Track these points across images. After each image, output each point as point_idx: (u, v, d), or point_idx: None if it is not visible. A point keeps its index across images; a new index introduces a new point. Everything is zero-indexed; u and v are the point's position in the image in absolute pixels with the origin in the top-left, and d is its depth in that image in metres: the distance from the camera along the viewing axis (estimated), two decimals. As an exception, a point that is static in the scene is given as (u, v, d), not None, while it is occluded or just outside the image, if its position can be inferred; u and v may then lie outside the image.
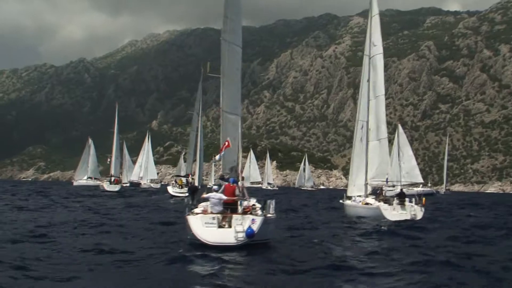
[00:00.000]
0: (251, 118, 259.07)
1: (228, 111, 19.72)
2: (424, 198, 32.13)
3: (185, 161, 70.80)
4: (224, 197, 16.52)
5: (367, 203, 31.71)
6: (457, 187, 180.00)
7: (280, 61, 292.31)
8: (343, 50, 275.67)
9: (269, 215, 16.58)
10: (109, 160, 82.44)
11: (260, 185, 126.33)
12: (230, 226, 15.39)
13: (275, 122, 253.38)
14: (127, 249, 14.55)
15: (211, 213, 15.98)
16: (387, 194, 33.05)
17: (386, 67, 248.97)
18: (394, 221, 28.02)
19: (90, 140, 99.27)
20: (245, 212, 16.29)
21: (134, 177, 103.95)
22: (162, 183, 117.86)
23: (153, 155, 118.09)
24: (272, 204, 17.22)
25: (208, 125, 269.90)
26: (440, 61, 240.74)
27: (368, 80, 34.11)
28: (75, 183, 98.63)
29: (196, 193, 18.01)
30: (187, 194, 52.51)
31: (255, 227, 15.08)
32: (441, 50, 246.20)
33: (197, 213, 16.07)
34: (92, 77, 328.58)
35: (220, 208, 16.16)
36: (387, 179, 33.01)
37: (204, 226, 15.24)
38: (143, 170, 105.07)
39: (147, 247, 15.15)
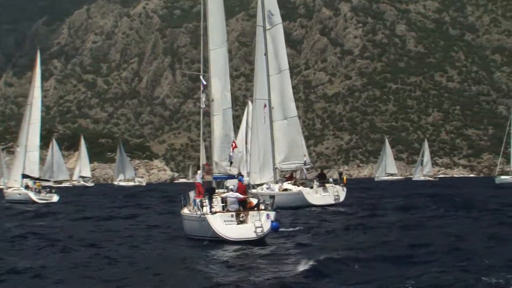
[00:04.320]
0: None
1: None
2: (345, 177, 36.96)
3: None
4: (241, 196, 21.84)
5: (285, 189, 35.57)
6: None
7: (74, 21, 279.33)
8: (155, 7, 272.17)
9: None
10: None
11: (69, 183, 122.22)
12: (243, 222, 20.79)
13: (71, 101, 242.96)
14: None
15: (228, 211, 21.27)
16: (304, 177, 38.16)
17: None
18: (319, 205, 32.89)
19: None
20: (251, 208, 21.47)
21: None
22: None
23: None
24: (274, 199, 22.21)
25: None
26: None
27: (265, 54, 38.76)
28: None
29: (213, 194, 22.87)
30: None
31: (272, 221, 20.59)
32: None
33: (214, 213, 20.94)
34: None
35: (236, 206, 21.44)
36: (305, 161, 37.80)
37: (224, 224, 20.51)
38: None
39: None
